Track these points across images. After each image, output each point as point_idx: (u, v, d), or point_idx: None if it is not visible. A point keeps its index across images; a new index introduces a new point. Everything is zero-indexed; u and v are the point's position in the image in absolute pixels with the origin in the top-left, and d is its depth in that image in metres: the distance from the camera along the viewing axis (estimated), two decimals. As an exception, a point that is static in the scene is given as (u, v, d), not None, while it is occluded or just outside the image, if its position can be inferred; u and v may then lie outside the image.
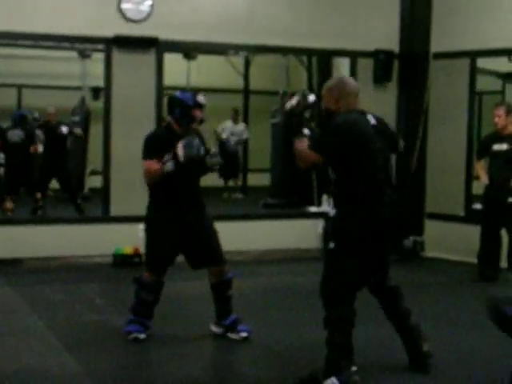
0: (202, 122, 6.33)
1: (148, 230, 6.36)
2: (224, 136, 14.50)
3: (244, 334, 6.34)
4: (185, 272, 6.75)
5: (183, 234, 6.23)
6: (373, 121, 5.29)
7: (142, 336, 6.28)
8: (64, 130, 12.01)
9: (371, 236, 5.15)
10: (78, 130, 12.40)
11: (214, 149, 6.36)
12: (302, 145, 5.19)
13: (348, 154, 5.09)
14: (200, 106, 6.31)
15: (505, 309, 3.96)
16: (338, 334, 5.18)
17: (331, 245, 5.25)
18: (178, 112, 6.25)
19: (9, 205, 11.34)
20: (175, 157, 6.02)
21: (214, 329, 6.47)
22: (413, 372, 5.58)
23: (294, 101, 5.34)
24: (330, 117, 5.25)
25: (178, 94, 6.39)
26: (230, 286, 6.41)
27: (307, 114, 5.29)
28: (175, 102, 6.30)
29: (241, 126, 15.58)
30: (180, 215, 6.21)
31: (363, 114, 5.28)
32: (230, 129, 15.22)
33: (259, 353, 6.10)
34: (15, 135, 11.87)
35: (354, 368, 5.16)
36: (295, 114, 5.29)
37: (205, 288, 6.62)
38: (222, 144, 6.73)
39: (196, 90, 13.89)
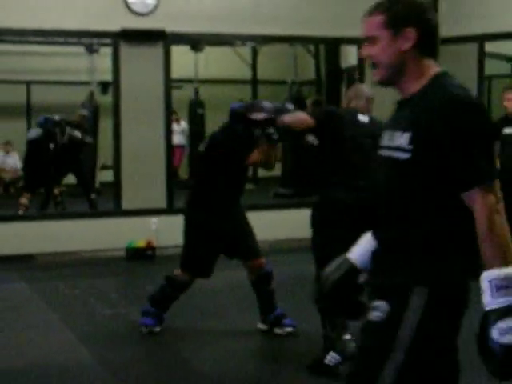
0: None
1: (189, 230, 6.22)
2: None
3: (289, 329, 6.25)
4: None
5: (222, 237, 6.15)
6: (366, 120, 5.49)
7: (157, 329, 6.29)
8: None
9: (332, 220, 5.23)
10: (88, 139, 12.22)
11: None
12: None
13: (330, 135, 5.32)
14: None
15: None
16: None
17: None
18: None
19: (23, 201, 11.35)
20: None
21: (261, 326, 6.35)
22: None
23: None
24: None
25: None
26: (269, 280, 6.30)
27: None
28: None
29: None
30: (221, 218, 6.11)
31: (362, 114, 5.50)
32: None
33: (266, 343, 6.11)
34: (32, 132, 11.82)
35: (347, 336, 5.20)
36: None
37: (225, 280, 6.63)
38: None
39: (204, 82, 13.96)
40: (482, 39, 10.28)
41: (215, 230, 6.08)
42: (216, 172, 6.06)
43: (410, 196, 2.74)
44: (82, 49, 13.56)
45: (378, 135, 5.38)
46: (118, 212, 9.86)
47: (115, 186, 9.92)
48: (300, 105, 12.66)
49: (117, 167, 9.90)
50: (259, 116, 5.71)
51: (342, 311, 3.33)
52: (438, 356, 2.75)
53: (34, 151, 11.57)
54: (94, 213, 10.22)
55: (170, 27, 9.73)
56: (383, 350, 2.71)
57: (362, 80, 10.84)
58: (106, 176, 12.78)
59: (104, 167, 13.87)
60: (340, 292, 3.00)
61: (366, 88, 5.77)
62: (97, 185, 14.05)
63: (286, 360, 5.71)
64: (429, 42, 2.88)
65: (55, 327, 6.56)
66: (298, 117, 5.45)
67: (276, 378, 5.39)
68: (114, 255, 9.55)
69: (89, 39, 10.77)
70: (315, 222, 5.34)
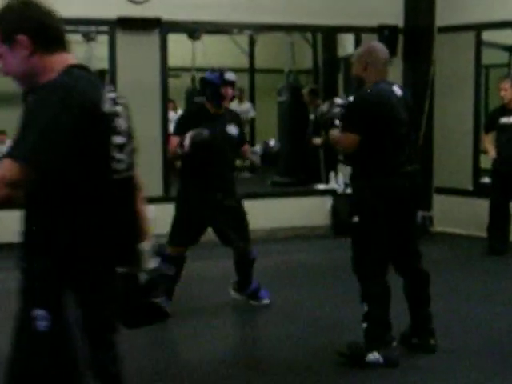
0: (232, 99, 6.47)
1: (176, 206, 6.56)
2: None
3: (266, 301, 6.68)
4: (207, 251, 6.75)
5: (209, 212, 6.39)
6: (399, 92, 5.34)
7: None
8: None
9: (388, 205, 5.14)
10: None
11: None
12: (335, 133, 5.28)
13: (373, 127, 5.12)
14: (229, 83, 6.42)
15: None
16: (377, 309, 5.20)
17: (355, 219, 5.21)
18: (208, 92, 6.37)
19: None
20: (181, 145, 6.16)
21: (235, 295, 6.79)
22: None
23: (324, 107, 5.49)
24: (360, 84, 5.31)
25: (206, 74, 6.53)
26: (251, 265, 6.67)
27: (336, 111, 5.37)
28: (204, 82, 6.51)
29: (246, 106, 15.54)
30: (206, 193, 6.37)
31: (390, 84, 5.33)
32: (235, 109, 15.17)
33: (272, 330, 6.12)
34: None
35: (394, 343, 5.23)
36: (325, 118, 5.40)
37: (224, 268, 6.63)
38: None
39: (201, 70, 13.94)
40: (479, 28, 10.26)
41: (197, 203, 6.37)
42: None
43: None
44: (79, 37, 13.55)
45: (410, 107, 5.42)
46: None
47: (112, 174, 9.88)
48: (297, 93, 12.67)
49: (113, 155, 9.86)
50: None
51: None
52: None
53: None
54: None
55: (166, 15, 9.70)
56: None
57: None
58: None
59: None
60: None
61: (379, 47, 5.51)
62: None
63: (282, 345, 5.71)
64: (47, 39, 2.91)
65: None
66: (342, 139, 5.23)
67: (276, 365, 5.39)
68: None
69: (86, 27, 10.75)
70: (373, 208, 5.19)
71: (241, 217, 6.53)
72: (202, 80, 6.57)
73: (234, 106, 15.14)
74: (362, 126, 5.12)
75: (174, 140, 6.33)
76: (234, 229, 6.49)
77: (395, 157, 5.21)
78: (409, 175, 5.28)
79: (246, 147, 6.79)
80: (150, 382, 5.01)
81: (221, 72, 6.50)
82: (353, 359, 5.23)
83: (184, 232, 6.42)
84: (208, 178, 6.38)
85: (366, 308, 5.22)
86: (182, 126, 6.37)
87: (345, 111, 5.30)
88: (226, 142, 6.41)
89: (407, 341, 5.56)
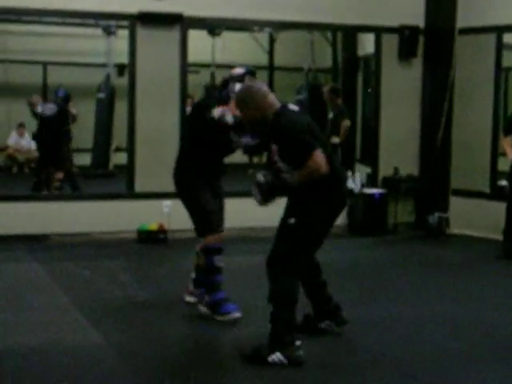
0: None
1: (191, 195, 6.34)
2: None
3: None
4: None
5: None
6: (296, 108, 5.41)
7: (238, 315, 6.17)
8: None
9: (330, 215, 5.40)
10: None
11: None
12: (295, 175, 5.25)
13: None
14: None
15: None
16: (283, 309, 5.19)
17: (291, 220, 5.29)
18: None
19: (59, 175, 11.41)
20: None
21: (189, 298, 6.54)
22: (436, 350, 5.58)
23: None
24: (263, 124, 5.29)
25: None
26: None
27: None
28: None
29: None
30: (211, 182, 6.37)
31: (285, 106, 5.35)
32: None
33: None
34: (47, 108, 11.68)
35: (297, 342, 5.19)
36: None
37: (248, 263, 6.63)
38: None
39: (220, 67, 13.94)
40: (500, 30, 10.21)
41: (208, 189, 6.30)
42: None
43: None
44: (99, 31, 13.59)
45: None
46: (131, 195, 9.87)
47: (128, 169, 9.93)
48: (315, 92, 12.65)
49: (131, 150, 9.90)
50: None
51: None
52: None
53: (49, 128, 11.54)
54: (107, 195, 10.22)
55: (187, 11, 9.71)
56: None
57: (378, 68, 10.80)
58: (119, 158, 12.79)
59: (118, 149, 13.89)
60: None
61: (254, 85, 5.51)
62: (110, 167, 14.10)
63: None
64: None
65: (65, 308, 6.58)
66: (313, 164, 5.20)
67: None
68: (125, 238, 9.58)
69: (106, 21, 10.78)
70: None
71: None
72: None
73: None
74: (312, 141, 5.18)
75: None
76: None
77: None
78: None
79: None
80: (159, 377, 5.02)
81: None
82: (254, 359, 5.20)
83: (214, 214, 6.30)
84: (211, 172, 6.44)
85: (273, 308, 5.22)
86: None
87: (290, 143, 5.23)
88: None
89: (313, 326, 5.73)
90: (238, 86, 5.93)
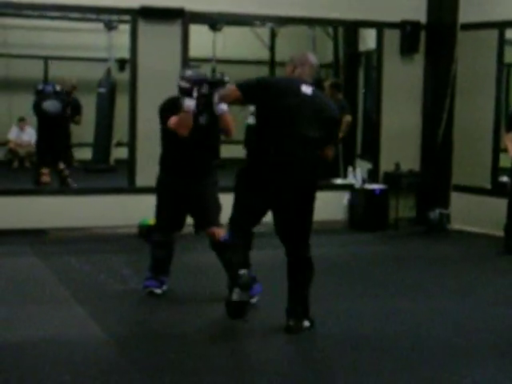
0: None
1: (156, 193, 6.86)
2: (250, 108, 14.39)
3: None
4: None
5: (184, 198, 6.63)
6: (307, 91, 5.66)
7: (158, 291, 6.68)
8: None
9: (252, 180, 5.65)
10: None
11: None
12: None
13: (259, 103, 5.70)
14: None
15: None
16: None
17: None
18: None
19: (46, 178, 11.34)
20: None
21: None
22: (436, 345, 5.58)
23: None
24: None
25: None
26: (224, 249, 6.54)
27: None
28: None
29: None
30: (180, 180, 6.63)
31: (302, 82, 5.67)
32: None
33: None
34: (51, 105, 11.58)
35: (241, 271, 5.55)
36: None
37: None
38: None
39: (221, 62, 13.94)
40: (502, 26, 10.19)
41: (172, 190, 6.68)
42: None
43: None
44: (100, 25, 13.58)
45: (323, 113, 5.56)
46: (132, 189, 9.86)
47: (129, 164, 9.92)
48: (316, 87, 12.62)
49: (132, 144, 9.90)
50: (184, 85, 6.37)
51: None
52: None
53: (53, 125, 11.46)
54: (108, 189, 10.22)
55: (189, 6, 9.70)
56: None
57: (380, 64, 10.79)
58: (120, 153, 12.78)
59: (119, 144, 13.88)
60: None
61: (311, 54, 6.02)
62: (111, 162, 14.09)
63: (295, 337, 5.71)
64: None
65: (66, 302, 6.58)
66: (228, 89, 5.84)
67: (286, 356, 5.39)
68: (126, 232, 9.57)
69: (107, 16, 10.76)
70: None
71: (210, 201, 6.72)
72: None
73: None
74: (248, 90, 5.68)
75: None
76: (203, 214, 6.72)
77: (272, 140, 5.57)
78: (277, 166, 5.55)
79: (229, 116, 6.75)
80: (160, 370, 5.02)
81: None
82: (229, 308, 5.58)
83: (165, 218, 6.82)
84: (182, 167, 6.71)
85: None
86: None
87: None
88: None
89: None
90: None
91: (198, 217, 6.71)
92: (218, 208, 6.67)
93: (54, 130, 11.49)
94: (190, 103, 6.26)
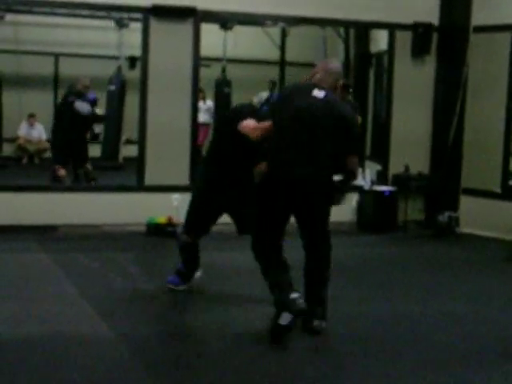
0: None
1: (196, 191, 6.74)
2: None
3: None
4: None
5: (226, 203, 6.53)
6: (319, 94, 5.60)
7: (181, 287, 6.70)
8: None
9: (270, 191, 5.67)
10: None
11: None
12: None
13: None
14: None
15: None
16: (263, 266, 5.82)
17: None
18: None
19: (62, 172, 11.30)
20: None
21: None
22: (444, 349, 5.56)
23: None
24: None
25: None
26: None
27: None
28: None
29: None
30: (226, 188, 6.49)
31: (316, 87, 5.63)
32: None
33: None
34: (82, 107, 11.46)
35: (294, 295, 5.48)
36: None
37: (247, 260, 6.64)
38: None
39: (232, 61, 13.93)
40: (515, 29, 10.17)
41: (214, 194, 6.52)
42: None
43: None
44: (111, 23, 13.56)
45: (337, 116, 5.58)
46: (141, 187, 9.87)
47: (139, 162, 9.93)
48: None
49: (141, 143, 9.90)
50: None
51: None
52: None
53: (83, 125, 11.43)
54: (117, 187, 10.22)
55: (200, 5, 9.69)
56: None
57: (391, 65, 10.77)
58: (130, 151, 12.78)
59: (128, 142, 13.88)
60: None
61: (334, 61, 6.17)
62: (120, 159, 14.08)
63: (300, 336, 5.70)
64: None
65: (74, 299, 6.58)
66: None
67: (292, 355, 5.38)
68: (134, 230, 9.58)
69: (119, 13, 10.76)
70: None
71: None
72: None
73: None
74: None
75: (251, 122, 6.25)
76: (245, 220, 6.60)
77: (280, 153, 5.60)
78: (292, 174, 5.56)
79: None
80: (166, 368, 5.01)
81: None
82: (274, 332, 5.50)
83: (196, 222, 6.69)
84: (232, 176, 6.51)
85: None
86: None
87: None
88: None
89: (308, 324, 5.71)
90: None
91: (242, 220, 6.63)
92: None
93: (83, 131, 11.46)
94: None
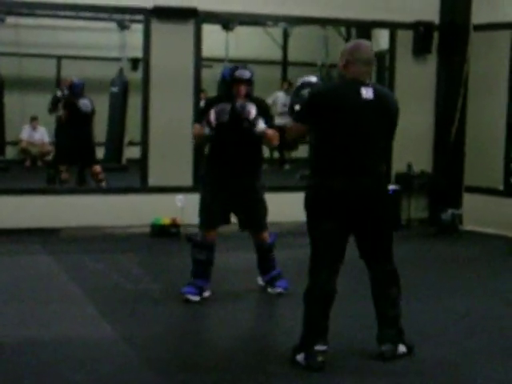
0: (247, 96, 6.37)
1: (200, 191, 6.73)
2: (278, 108, 14.34)
3: (279, 290, 6.76)
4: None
5: (230, 196, 6.53)
6: (368, 94, 5.03)
7: (196, 298, 6.50)
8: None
9: (326, 207, 5.03)
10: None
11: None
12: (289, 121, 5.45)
13: (318, 123, 5.03)
14: (240, 81, 6.37)
15: None
16: (307, 307, 5.11)
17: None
18: (221, 87, 6.47)
19: (64, 175, 11.32)
20: (208, 122, 6.29)
21: (260, 281, 6.95)
22: (449, 346, 5.57)
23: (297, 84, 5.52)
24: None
25: (224, 68, 6.58)
26: (270, 250, 6.82)
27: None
28: (221, 76, 6.60)
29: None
30: (228, 178, 6.50)
31: (361, 84, 5.04)
32: (282, 100, 15.02)
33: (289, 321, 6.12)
34: (86, 105, 11.40)
35: (321, 347, 5.02)
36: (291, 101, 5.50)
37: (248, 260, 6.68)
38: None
39: (234, 62, 13.94)
40: (515, 27, 10.18)
41: (219, 187, 6.50)
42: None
43: None
44: (113, 24, 13.60)
45: (388, 114, 5.15)
46: (144, 189, 9.88)
47: (142, 163, 9.94)
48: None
49: (144, 144, 9.91)
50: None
51: None
52: None
53: (88, 125, 11.40)
54: (120, 189, 10.23)
55: (202, 5, 9.71)
56: None
57: (392, 64, 10.78)
58: (133, 152, 12.81)
59: (131, 143, 13.90)
60: None
61: (364, 46, 5.20)
62: (123, 161, 14.11)
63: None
64: None
65: (78, 301, 6.60)
66: (289, 126, 5.29)
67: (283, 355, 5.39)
68: (138, 231, 9.59)
69: (120, 15, 10.78)
70: (311, 208, 5.23)
71: (259, 205, 6.67)
72: (221, 73, 6.62)
73: (282, 97, 14.99)
74: (308, 117, 5.07)
75: (198, 126, 6.48)
76: (250, 217, 6.68)
77: (341, 158, 5.01)
78: (360, 178, 5.04)
79: (270, 132, 6.47)
80: (172, 370, 5.02)
81: (232, 68, 6.52)
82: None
83: (209, 216, 6.62)
84: (230, 164, 6.50)
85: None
86: (201, 114, 6.54)
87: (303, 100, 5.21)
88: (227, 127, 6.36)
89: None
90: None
91: (247, 218, 6.69)
92: (266, 211, 6.70)
93: (87, 128, 11.41)
94: None
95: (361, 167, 5.03)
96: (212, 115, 6.26)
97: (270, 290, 6.81)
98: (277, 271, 6.84)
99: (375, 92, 5.07)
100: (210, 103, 6.50)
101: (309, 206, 5.12)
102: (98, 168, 11.26)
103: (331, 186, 5.00)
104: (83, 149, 11.23)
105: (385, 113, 5.14)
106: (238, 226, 6.80)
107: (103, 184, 11.16)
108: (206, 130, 6.33)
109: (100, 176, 11.24)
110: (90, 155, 11.34)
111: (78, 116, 11.19)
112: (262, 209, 6.68)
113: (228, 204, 6.58)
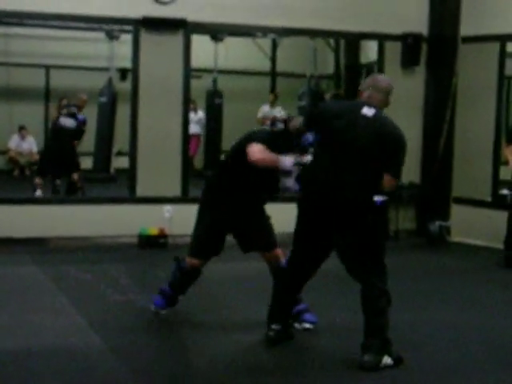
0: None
1: (198, 214, 6.27)
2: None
3: (307, 325, 6.16)
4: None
5: (232, 221, 6.17)
6: (368, 112, 5.34)
7: (163, 312, 6.40)
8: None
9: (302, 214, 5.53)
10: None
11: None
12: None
13: (318, 130, 5.54)
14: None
15: None
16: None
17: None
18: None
19: (38, 180, 11.36)
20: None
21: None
22: (436, 357, 5.58)
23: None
24: None
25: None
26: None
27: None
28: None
29: (277, 110, 15.40)
30: (232, 209, 6.14)
31: (367, 104, 5.38)
32: (266, 113, 15.04)
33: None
34: (68, 122, 11.60)
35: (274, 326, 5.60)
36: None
37: (236, 271, 6.64)
38: None
39: (223, 72, 13.94)
40: (503, 39, 10.22)
41: (221, 214, 6.12)
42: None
43: None
44: (102, 35, 13.59)
45: (385, 138, 5.29)
46: (132, 199, 9.87)
47: (130, 173, 9.93)
48: (317, 99, 12.66)
49: (133, 154, 9.91)
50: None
51: None
52: None
53: (69, 139, 11.57)
54: (108, 199, 10.21)
55: (191, 16, 9.72)
56: None
57: (381, 76, 10.81)
58: (121, 162, 12.79)
59: (120, 154, 13.89)
60: None
61: (382, 79, 5.74)
62: (112, 171, 14.08)
63: (292, 351, 5.70)
64: None
65: (66, 311, 6.58)
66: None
67: (280, 368, 5.37)
68: (126, 242, 9.58)
69: (109, 25, 10.78)
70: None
71: (265, 223, 6.29)
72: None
73: (267, 111, 15.02)
74: (310, 122, 5.62)
75: (259, 148, 5.79)
76: (258, 236, 6.27)
77: (321, 166, 5.40)
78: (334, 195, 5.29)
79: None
80: (159, 381, 5.02)
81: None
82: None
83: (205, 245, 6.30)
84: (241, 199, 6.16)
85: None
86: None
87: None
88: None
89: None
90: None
91: (252, 239, 6.24)
92: (272, 227, 6.27)
93: (70, 141, 11.64)
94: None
95: (335, 180, 5.29)
96: (288, 162, 5.75)
97: (296, 325, 6.11)
98: (303, 306, 6.20)
99: (377, 114, 5.35)
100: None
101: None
102: (75, 176, 11.33)
103: (307, 194, 5.46)
104: (64, 157, 11.40)
105: (379, 134, 5.30)
106: (242, 250, 6.35)
107: (80, 193, 11.22)
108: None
109: (78, 184, 11.31)
110: (71, 162, 11.50)
111: (60, 131, 11.45)
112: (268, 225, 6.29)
113: (228, 229, 6.22)
